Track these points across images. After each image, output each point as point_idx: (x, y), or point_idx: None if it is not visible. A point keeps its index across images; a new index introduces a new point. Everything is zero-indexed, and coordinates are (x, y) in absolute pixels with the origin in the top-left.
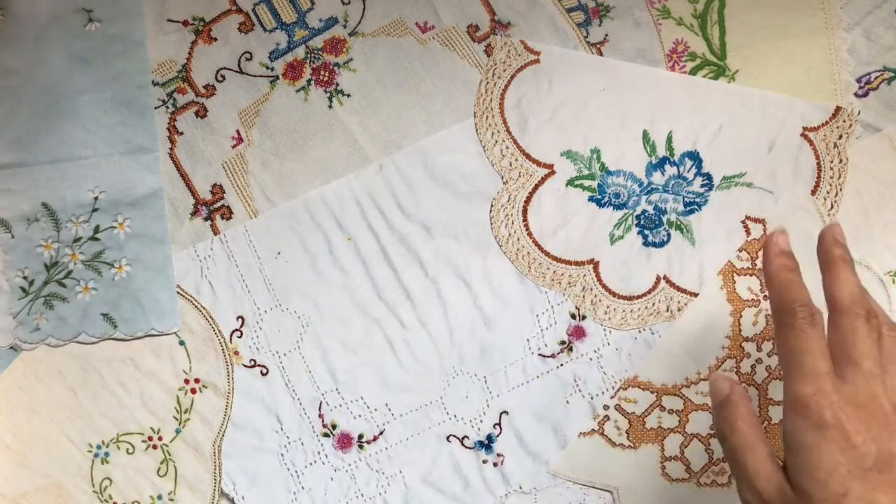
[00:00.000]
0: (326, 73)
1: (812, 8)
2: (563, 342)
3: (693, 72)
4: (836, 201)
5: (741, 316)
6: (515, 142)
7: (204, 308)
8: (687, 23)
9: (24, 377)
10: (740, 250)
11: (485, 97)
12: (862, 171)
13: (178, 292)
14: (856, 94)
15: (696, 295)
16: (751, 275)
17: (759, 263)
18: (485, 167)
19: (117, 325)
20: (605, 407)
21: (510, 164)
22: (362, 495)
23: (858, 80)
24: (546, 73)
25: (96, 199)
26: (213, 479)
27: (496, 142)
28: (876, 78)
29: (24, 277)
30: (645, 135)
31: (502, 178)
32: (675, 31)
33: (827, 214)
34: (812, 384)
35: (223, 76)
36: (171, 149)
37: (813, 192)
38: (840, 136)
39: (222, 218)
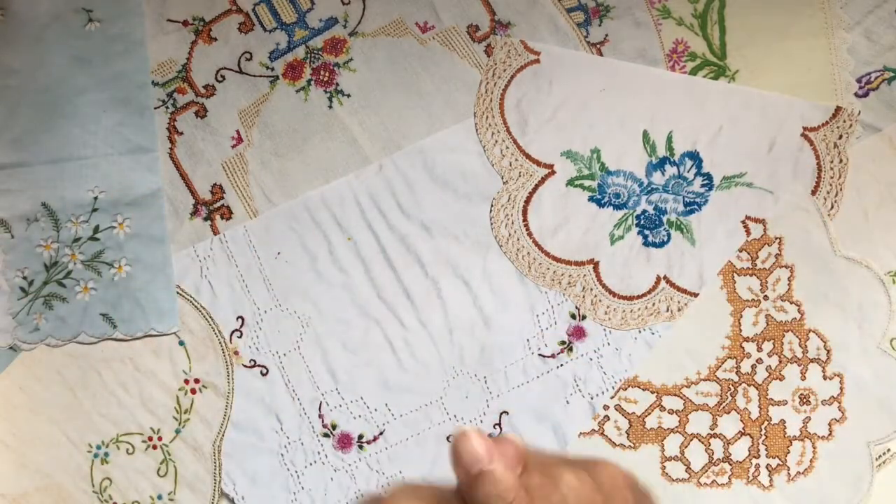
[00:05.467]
0: (326, 73)
1: (812, 8)
2: (563, 342)
3: (693, 72)
4: (836, 201)
5: (741, 316)
6: (515, 142)
7: (203, 308)
8: (687, 23)
9: (24, 378)
10: (740, 250)
11: (485, 97)
12: (862, 171)
13: (178, 292)
14: (856, 94)
15: (696, 295)
16: (751, 275)
17: (759, 263)
18: (485, 167)
19: (117, 326)
20: (605, 407)
21: (510, 164)
22: (362, 495)
23: (858, 80)
24: (546, 73)
25: (96, 198)
26: (213, 479)
27: (496, 142)
28: (876, 78)
29: (24, 277)
30: (645, 135)
31: (502, 178)
32: (675, 31)
33: (827, 214)
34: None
35: (223, 76)
36: (170, 149)
37: (813, 192)
38: (840, 136)
39: (222, 218)
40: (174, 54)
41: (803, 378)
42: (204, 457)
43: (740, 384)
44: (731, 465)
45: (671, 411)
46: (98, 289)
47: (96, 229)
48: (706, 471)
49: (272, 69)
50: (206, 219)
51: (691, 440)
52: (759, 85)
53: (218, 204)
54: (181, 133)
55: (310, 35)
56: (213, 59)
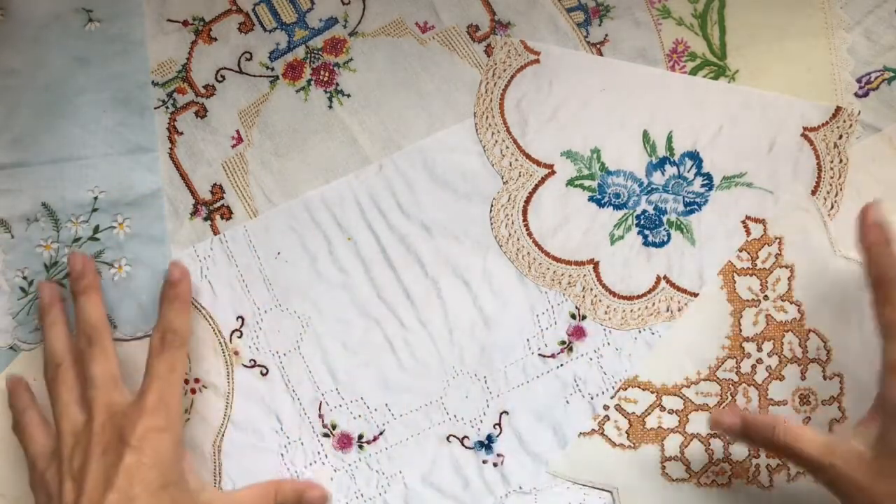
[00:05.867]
0: (326, 73)
1: (812, 8)
2: (563, 342)
3: (693, 72)
4: (836, 201)
5: (741, 316)
6: (515, 142)
7: (203, 308)
8: (687, 23)
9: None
10: (741, 250)
11: (485, 97)
12: (862, 171)
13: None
14: (856, 94)
15: (696, 295)
16: (751, 274)
17: (759, 263)
18: (485, 167)
19: (117, 326)
20: (605, 407)
21: (510, 164)
22: (362, 495)
23: (858, 80)
24: (546, 73)
25: (96, 199)
26: (214, 479)
27: (496, 142)
28: (876, 78)
29: (24, 278)
30: (645, 135)
31: (502, 178)
32: (675, 31)
33: (827, 214)
34: None
35: (223, 76)
36: (170, 149)
37: (813, 192)
38: (840, 136)
39: (222, 218)
40: (174, 54)
41: (803, 378)
42: (204, 457)
43: (740, 384)
44: (730, 465)
45: (671, 411)
46: None
47: (96, 229)
48: (706, 471)
49: (272, 69)
50: (206, 219)
51: (691, 440)
52: (759, 85)
53: (218, 204)
54: (181, 133)
55: (310, 35)
56: (213, 59)
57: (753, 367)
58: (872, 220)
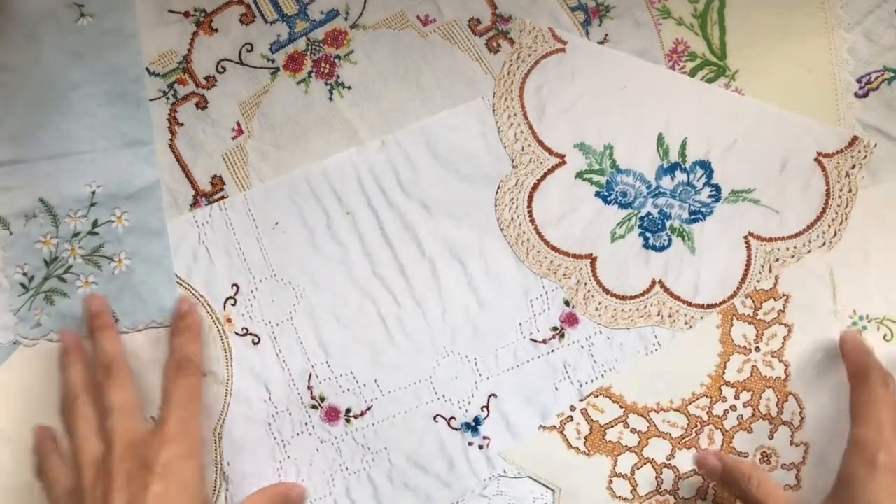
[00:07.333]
0: (327, 66)
1: (812, 8)
2: (555, 328)
3: (693, 72)
4: (839, 229)
5: (728, 360)
6: (531, 127)
7: (202, 296)
8: (687, 23)
9: (24, 369)
10: (746, 297)
11: (506, 79)
12: (873, 214)
13: (177, 282)
14: (856, 94)
15: (688, 303)
16: (750, 323)
17: (760, 314)
18: (488, 149)
19: (119, 319)
20: (572, 408)
21: (522, 149)
22: (347, 468)
23: (858, 81)
24: (570, 63)
25: (94, 193)
26: (214, 465)
27: (511, 124)
28: (876, 78)
29: (24, 273)
30: (660, 138)
31: (513, 162)
32: (675, 31)
33: (830, 241)
34: (874, 430)
35: (224, 67)
36: (171, 140)
37: (819, 218)
38: (853, 166)
39: None
40: (175, 45)
41: (771, 437)
42: (204, 444)
43: (708, 424)
44: (676, 499)
45: (634, 430)
46: (99, 283)
47: (95, 223)
48: (650, 497)
49: (273, 61)
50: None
51: (645, 463)
52: (760, 84)
53: (218, 195)
54: (182, 124)
55: (311, 27)
56: (215, 51)
57: (726, 412)
58: (854, 342)
